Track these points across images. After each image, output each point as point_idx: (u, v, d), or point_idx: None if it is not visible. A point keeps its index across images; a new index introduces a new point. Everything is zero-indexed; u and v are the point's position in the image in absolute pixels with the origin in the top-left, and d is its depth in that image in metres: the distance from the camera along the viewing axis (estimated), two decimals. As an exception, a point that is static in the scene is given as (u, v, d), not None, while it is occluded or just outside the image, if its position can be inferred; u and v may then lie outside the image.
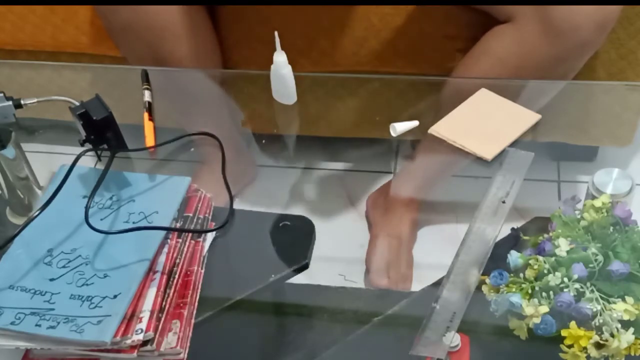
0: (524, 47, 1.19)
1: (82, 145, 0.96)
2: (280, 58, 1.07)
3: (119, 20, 1.28)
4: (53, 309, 0.84)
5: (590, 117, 1.28)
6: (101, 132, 0.96)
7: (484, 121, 1.05)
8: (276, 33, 1.04)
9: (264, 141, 1.17)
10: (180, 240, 0.93)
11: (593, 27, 1.15)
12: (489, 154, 1.00)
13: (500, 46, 1.22)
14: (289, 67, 1.08)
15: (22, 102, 1.02)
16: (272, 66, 1.08)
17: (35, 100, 1.02)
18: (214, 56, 1.38)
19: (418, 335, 0.82)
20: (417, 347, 0.81)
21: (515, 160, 0.99)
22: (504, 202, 0.93)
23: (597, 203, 0.86)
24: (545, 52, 1.18)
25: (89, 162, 0.98)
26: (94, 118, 0.95)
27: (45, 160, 1.09)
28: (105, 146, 0.97)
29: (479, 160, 1.00)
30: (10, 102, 1.01)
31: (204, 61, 1.34)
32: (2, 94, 1.01)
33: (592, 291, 0.79)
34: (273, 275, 0.95)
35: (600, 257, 0.81)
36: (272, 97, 1.12)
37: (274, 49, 1.07)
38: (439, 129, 1.04)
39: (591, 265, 0.81)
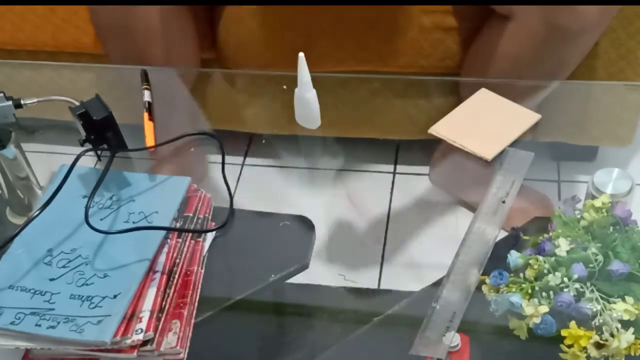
0: (525, 38, 1.19)
1: (82, 145, 0.96)
2: (304, 79, 1.00)
3: (110, 19, 1.28)
4: (53, 309, 0.84)
5: (590, 117, 1.28)
6: (101, 132, 0.96)
7: (484, 121, 1.05)
8: (302, 54, 0.98)
9: (264, 141, 1.17)
10: (180, 240, 0.93)
11: (596, 11, 1.14)
12: (489, 154, 1.00)
13: (504, 43, 1.22)
14: (314, 91, 1.02)
15: (22, 102, 1.02)
16: (296, 89, 1.02)
17: (35, 100, 1.02)
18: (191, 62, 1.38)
19: (418, 335, 0.82)
20: (417, 347, 0.81)
21: (515, 160, 0.99)
22: (504, 202, 0.93)
23: (597, 203, 0.86)
24: (545, 37, 1.17)
25: (89, 162, 0.98)
26: (94, 118, 0.95)
27: (45, 160, 1.09)
28: (105, 146, 0.97)
29: (479, 160, 1.00)
30: (10, 102, 1.01)
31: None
32: (2, 94, 1.01)
33: (592, 291, 0.79)
34: (273, 275, 0.95)
35: (600, 257, 0.81)
36: (272, 98, 1.12)
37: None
38: (438, 128, 1.04)
39: (591, 265, 0.81)
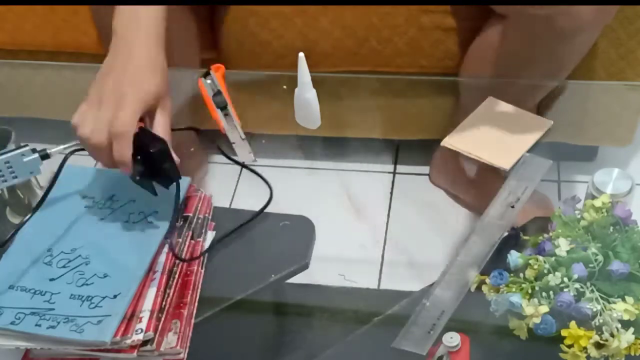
0: (521, 38, 1.19)
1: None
2: (304, 79, 1.00)
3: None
4: (53, 309, 0.84)
5: (590, 117, 1.28)
6: (155, 164, 0.90)
7: (496, 130, 1.05)
8: (302, 54, 0.98)
9: (264, 141, 1.17)
10: (180, 240, 0.93)
11: (592, 11, 1.14)
12: (506, 163, 0.99)
13: (502, 43, 1.22)
14: (314, 91, 1.02)
15: (48, 151, 0.94)
16: (296, 89, 1.02)
17: (61, 147, 0.95)
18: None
19: (403, 330, 0.82)
20: (401, 340, 0.81)
21: (531, 167, 0.98)
22: (512, 207, 0.93)
23: (597, 203, 0.86)
24: (542, 37, 1.17)
25: (89, 162, 0.98)
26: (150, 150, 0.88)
27: (45, 160, 1.09)
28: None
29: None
30: (37, 155, 0.94)
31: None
32: (27, 147, 0.93)
33: (592, 291, 0.79)
34: (273, 275, 0.95)
35: (600, 257, 0.81)
36: (272, 98, 1.12)
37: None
38: (452, 141, 1.03)
39: (591, 265, 0.81)
